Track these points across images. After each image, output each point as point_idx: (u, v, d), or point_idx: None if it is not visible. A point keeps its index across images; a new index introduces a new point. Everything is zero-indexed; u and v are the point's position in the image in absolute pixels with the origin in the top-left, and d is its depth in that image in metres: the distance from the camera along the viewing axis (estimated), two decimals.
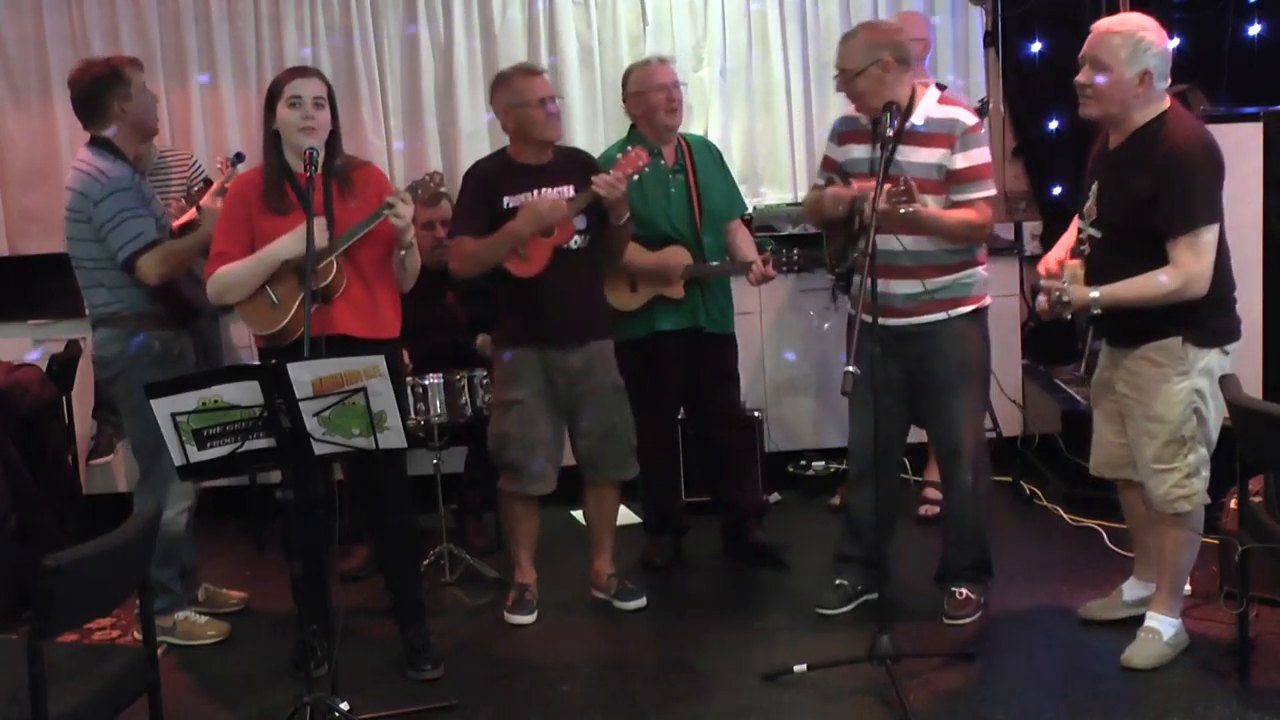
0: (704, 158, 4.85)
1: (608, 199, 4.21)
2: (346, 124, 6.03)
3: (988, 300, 4.27)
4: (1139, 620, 3.97)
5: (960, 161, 4.06)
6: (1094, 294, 3.63)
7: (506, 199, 4.31)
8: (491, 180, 4.35)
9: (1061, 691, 3.76)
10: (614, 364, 4.50)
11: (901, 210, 3.83)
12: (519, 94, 4.30)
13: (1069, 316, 3.63)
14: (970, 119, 4.12)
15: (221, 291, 3.92)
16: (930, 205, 4.03)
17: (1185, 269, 3.59)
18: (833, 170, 4.30)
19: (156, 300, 4.18)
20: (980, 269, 4.22)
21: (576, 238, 4.34)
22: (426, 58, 6.17)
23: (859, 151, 4.21)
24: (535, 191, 4.32)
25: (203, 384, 3.27)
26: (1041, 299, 3.75)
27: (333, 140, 3.97)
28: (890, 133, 3.93)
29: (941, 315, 4.14)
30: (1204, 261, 3.61)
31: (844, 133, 4.28)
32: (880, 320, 3.96)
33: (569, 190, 4.33)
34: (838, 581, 4.43)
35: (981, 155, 4.10)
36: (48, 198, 6.01)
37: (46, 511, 4.83)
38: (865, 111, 4.17)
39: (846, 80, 4.10)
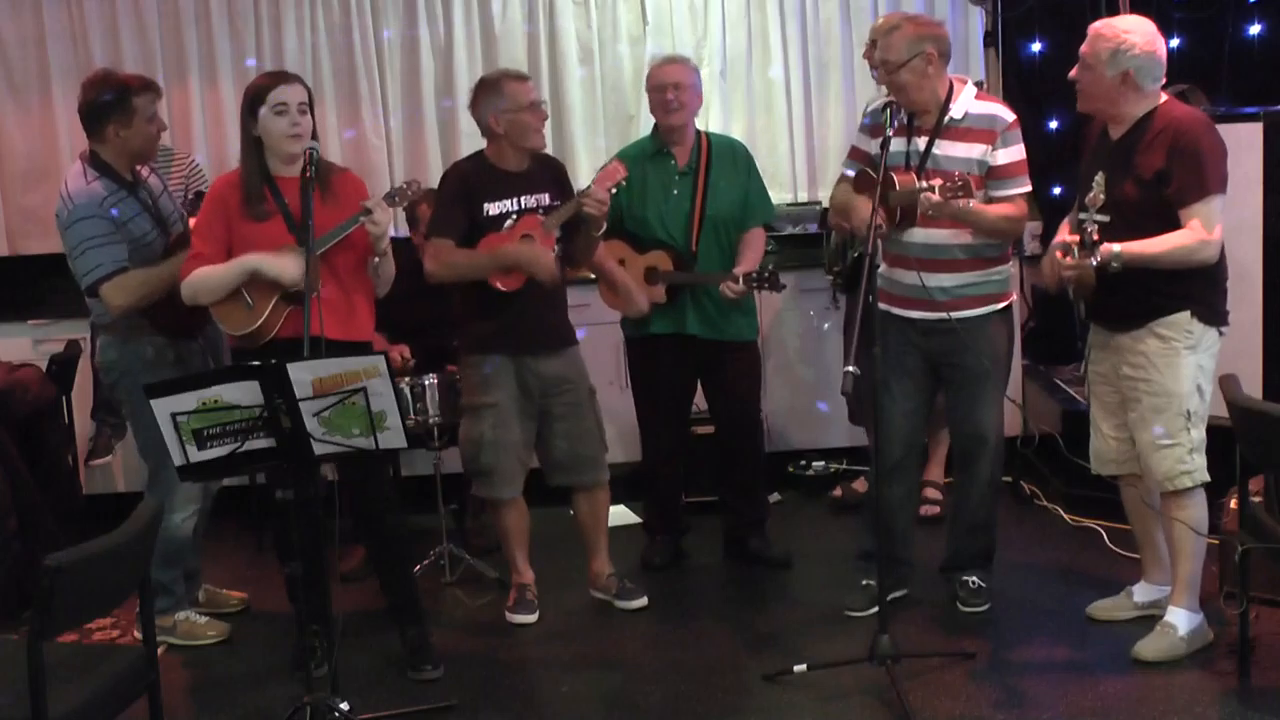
0: (723, 160, 4.75)
1: (594, 215, 4.25)
2: (347, 124, 6.10)
3: (1015, 296, 4.34)
4: (1145, 621, 3.99)
5: (1002, 157, 4.10)
6: (1116, 248, 3.68)
7: (487, 205, 4.30)
8: (472, 184, 4.34)
9: (1061, 691, 3.76)
10: (585, 369, 4.51)
11: (958, 204, 3.88)
12: (511, 98, 4.28)
13: (1097, 260, 3.64)
14: (1010, 115, 4.16)
15: (194, 293, 3.93)
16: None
17: (1201, 233, 3.69)
18: (862, 161, 4.27)
19: (144, 314, 4.16)
20: (1008, 265, 4.28)
21: (555, 246, 4.35)
22: (426, 58, 6.17)
23: (894, 145, 4.14)
24: (516, 200, 4.32)
25: (202, 384, 3.28)
26: (1049, 260, 3.76)
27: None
28: (890, 132, 3.93)
29: (979, 310, 4.17)
30: (1217, 228, 3.72)
31: (877, 126, 4.22)
32: (910, 313, 4.01)
33: (545, 198, 4.35)
34: (865, 581, 4.38)
35: (1020, 151, 4.14)
36: (48, 198, 5.99)
37: (46, 511, 4.83)
38: (905, 104, 4.12)
39: (890, 72, 4.09)
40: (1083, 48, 3.82)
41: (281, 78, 3.99)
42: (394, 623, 4.19)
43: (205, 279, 3.91)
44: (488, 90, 4.35)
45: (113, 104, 4.15)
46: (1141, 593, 4.16)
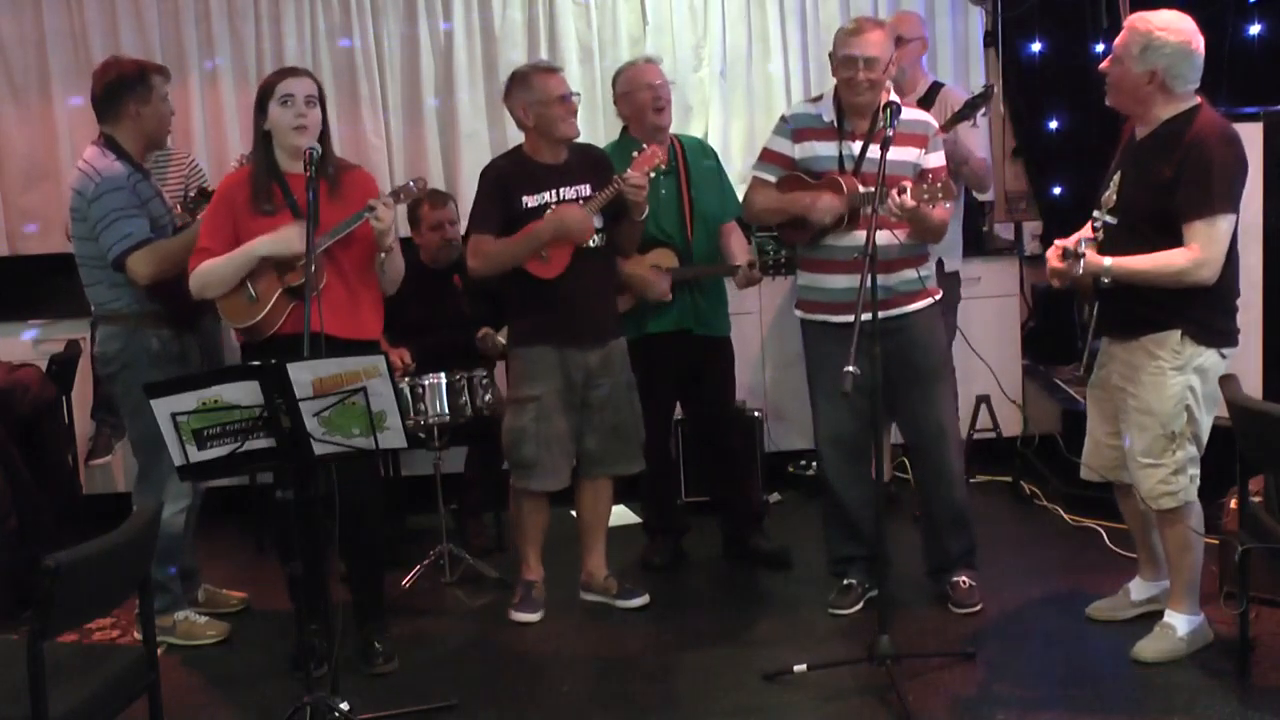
0: (697, 159, 4.82)
1: (633, 199, 4.26)
2: (347, 124, 6.08)
3: (940, 293, 4.38)
4: (1145, 620, 3.99)
5: (933, 161, 4.20)
6: (1107, 262, 3.65)
7: (525, 198, 4.31)
8: (509, 179, 4.35)
9: (1061, 691, 3.76)
10: (628, 361, 4.50)
11: (940, 205, 3.93)
12: (539, 91, 4.30)
13: (1079, 271, 3.62)
14: (935, 122, 4.31)
15: (202, 286, 3.97)
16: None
17: (1198, 252, 3.60)
18: (785, 166, 4.29)
19: (156, 299, 4.20)
20: (931, 261, 4.37)
21: (595, 236, 4.35)
22: (426, 58, 6.17)
23: (824, 149, 4.21)
24: (554, 191, 4.32)
25: (203, 384, 3.28)
26: (1053, 252, 3.77)
27: (323, 140, 4.00)
28: (891, 133, 3.92)
29: (915, 306, 4.22)
30: (1218, 248, 3.61)
31: (801, 129, 4.26)
32: (848, 318, 3.98)
33: (586, 189, 4.35)
34: (846, 581, 4.42)
35: (944, 156, 4.29)
36: (48, 198, 6.02)
37: (46, 511, 4.83)
38: (867, 105, 4.14)
39: (875, 71, 4.09)
40: (1116, 39, 3.74)
41: (289, 72, 4.06)
42: (357, 619, 4.17)
43: (213, 269, 3.94)
44: (518, 84, 4.38)
45: (133, 81, 4.21)
46: (1138, 590, 4.16)
